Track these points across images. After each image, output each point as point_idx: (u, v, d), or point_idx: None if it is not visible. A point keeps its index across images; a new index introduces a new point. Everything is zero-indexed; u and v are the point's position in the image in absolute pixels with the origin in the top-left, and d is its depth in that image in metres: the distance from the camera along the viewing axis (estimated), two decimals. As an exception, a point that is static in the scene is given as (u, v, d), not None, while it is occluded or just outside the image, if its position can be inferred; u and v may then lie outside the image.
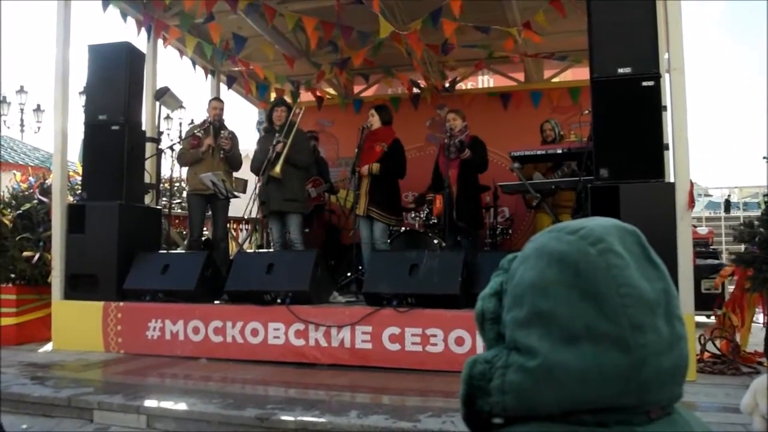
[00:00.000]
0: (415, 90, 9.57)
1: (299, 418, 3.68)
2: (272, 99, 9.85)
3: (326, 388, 4.54)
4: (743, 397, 3.07)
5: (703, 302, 6.90)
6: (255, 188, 8.01)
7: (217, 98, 7.58)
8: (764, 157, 5.25)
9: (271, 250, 7.28)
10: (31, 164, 14.75)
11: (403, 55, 7.73)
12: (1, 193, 7.01)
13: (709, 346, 5.27)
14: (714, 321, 6.01)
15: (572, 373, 0.74)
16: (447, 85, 9.45)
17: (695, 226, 8.93)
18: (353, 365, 5.21)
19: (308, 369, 5.21)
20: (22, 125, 20.90)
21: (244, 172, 7.87)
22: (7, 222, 6.61)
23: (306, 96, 9.82)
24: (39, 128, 21.57)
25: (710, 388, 4.46)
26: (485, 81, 11.90)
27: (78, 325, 6.06)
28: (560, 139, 7.39)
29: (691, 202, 4.87)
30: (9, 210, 6.73)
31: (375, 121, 6.89)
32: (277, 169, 6.51)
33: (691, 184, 4.92)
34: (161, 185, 7.74)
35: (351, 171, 6.90)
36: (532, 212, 7.65)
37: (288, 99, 9.53)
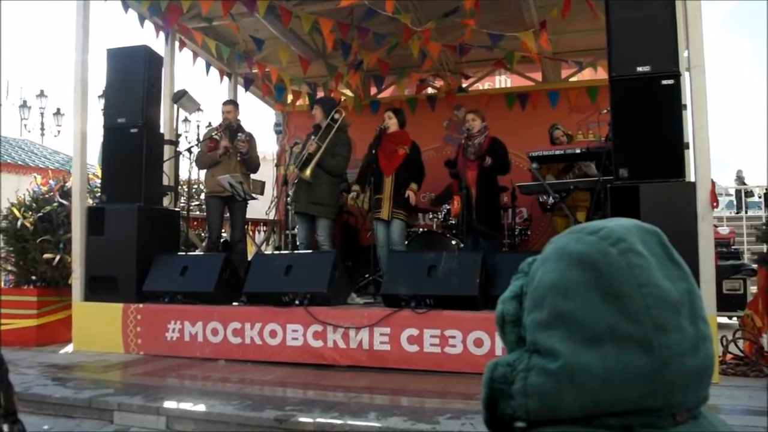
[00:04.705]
0: (430, 90, 9.55)
1: (318, 420, 3.68)
2: (289, 101, 9.90)
3: (345, 389, 4.54)
4: None
5: (725, 303, 6.83)
6: (273, 190, 8.04)
7: (228, 101, 7.58)
8: None
9: (289, 251, 7.28)
10: (52, 167, 14.87)
11: (417, 57, 7.72)
12: (21, 196, 7.08)
13: (732, 348, 5.20)
14: (737, 322, 5.94)
15: (595, 375, 0.73)
16: (464, 85, 9.42)
17: (716, 226, 8.83)
18: (372, 367, 5.20)
19: (327, 370, 5.21)
20: (42, 129, 21.16)
21: (262, 174, 7.89)
22: (27, 224, 6.68)
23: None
24: (59, 132, 21.86)
25: (733, 390, 4.40)
26: (502, 81, 11.88)
27: (98, 327, 6.11)
28: (570, 140, 7.34)
29: (715, 201, 4.80)
30: (30, 212, 6.80)
31: (393, 123, 6.88)
32: (307, 172, 6.48)
33: (713, 183, 4.86)
34: (179, 187, 7.77)
35: (367, 173, 6.87)
36: (549, 214, 7.60)
37: (304, 101, 9.59)
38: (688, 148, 5.01)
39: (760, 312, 5.32)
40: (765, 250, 5.85)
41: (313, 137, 6.72)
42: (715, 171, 4.90)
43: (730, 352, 5.18)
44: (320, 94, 9.73)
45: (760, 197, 16.06)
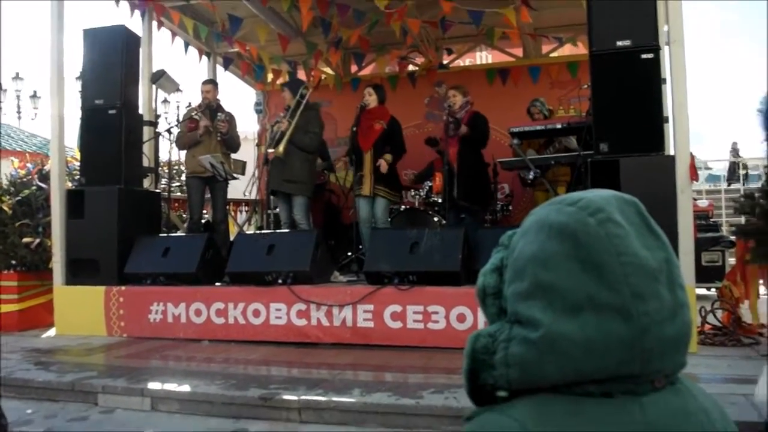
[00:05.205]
0: (411, 67, 9.50)
1: (302, 397, 3.70)
2: (269, 80, 9.81)
3: (329, 367, 4.57)
4: (758, 388, 3.10)
5: (704, 275, 6.92)
6: (254, 170, 8.01)
7: (207, 81, 7.52)
8: (758, 109, 5.11)
9: (271, 231, 7.27)
10: (29, 150, 14.70)
11: (399, 34, 7.66)
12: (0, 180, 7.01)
13: (710, 318, 5.28)
14: (715, 293, 6.02)
15: (575, 344, 0.74)
16: (445, 62, 9.39)
17: (695, 199, 8.92)
18: (355, 344, 5.23)
19: (310, 348, 5.23)
20: (18, 112, 20.85)
21: (243, 154, 7.84)
22: (6, 208, 6.60)
23: (301, 76, 9.75)
24: (36, 115, 21.56)
25: (712, 359, 4.48)
26: (483, 57, 11.85)
27: (80, 310, 6.08)
28: (550, 116, 7.35)
29: (694, 174, 4.85)
30: (8, 196, 6.73)
31: (372, 100, 6.85)
32: (280, 148, 6.47)
33: (692, 157, 4.90)
34: (160, 168, 7.72)
35: (350, 151, 6.87)
36: (530, 189, 7.63)
37: (284, 80, 9.49)
38: (667, 122, 5.04)
39: (738, 283, 5.41)
40: (743, 222, 5.91)
41: (283, 115, 6.73)
42: (693, 144, 4.93)
43: (708, 323, 5.26)
44: (300, 72, 9.65)
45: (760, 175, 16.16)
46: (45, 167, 7.04)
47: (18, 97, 20.91)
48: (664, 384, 0.79)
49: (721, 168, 18.58)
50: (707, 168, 18.13)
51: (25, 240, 6.53)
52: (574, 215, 0.78)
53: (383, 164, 6.64)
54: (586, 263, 0.75)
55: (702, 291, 7.13)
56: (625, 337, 0.73)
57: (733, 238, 7.09)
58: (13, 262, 6.71)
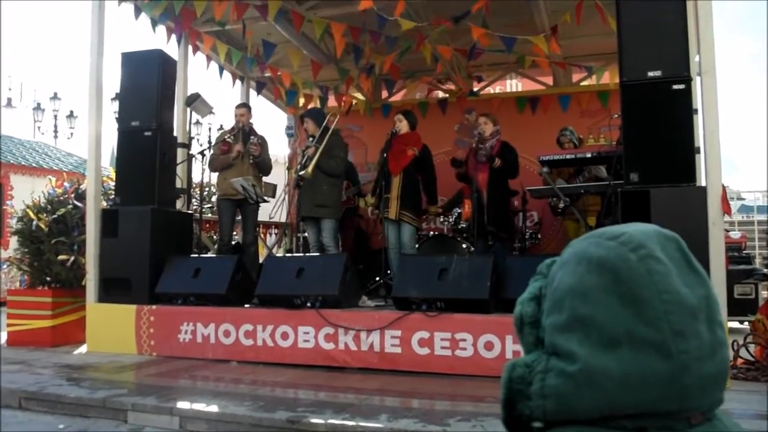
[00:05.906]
0: (441, 94, 9.57)
1: (329, 421, 3.71)
2: (301, 104, 9.94)
3: (356, 391, 4.57)
4: None
5: (737, 308, 6.82)
6: (283, 193, 8.09)
7: (241, 104, 7.65)
8: None
9: (301, 254, 7.32)
10: (65, 169, 14.95)
11: (430, 61, 7.74)
12: (36, 198, 7.15)
13: (743, 353, 5.19)
14: (748, 326, 5.93)
15: (612, 378, 0.75)
16: (475, 89, 9.44)
17: (727, 231, 8.81)
18: (383, 369, 5.22)
19: (338, 372, 5.24)
20: (55, 131, 21.29)
21: (274, 177, 7.93)
22: (42, 226, 6.74)
23: (332, 102, 9.87)
24: (72, 134, 21.99)
25: (744, 395, 4.40)
26: (513, 85, 11.88)
27: (112, 328, 6.16)
28: (579, 144, 7.34)
29: (727, 208, 4.80)
30: (45, 214, 6.87)
31: (403, 126, 6.91)
32: (309, 169, 6.57)
33: (724, 188, 4.85)
34: (192, 190, 7.83)
35: (379, 177, 6.92)
36: (560, 217, 7.60)
37: (316, 105, 9.62)
38: (699, 152, 5.01)
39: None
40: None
41: (311, 140, 6.86)
42: (725, 173, 4.89)
43: (741, 357, 5.18)
44: (331, 97, 9.77)
45: None
46: (81, 186, 7.19)
47: (55, 116, 21.38)
48: (700, 420, 0.79)
49: (753, 199, 18.32)
50: (740, 198, 17.87)
51: (61, 257, 6.66)
52: (615, 250, 0.79)
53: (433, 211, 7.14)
54: (626, 298, 0.76)
55: (734, 324, 7.02)
56: (663, 374, 0.74)
57: (766, 270, 6.99)
58: (48, 278, 6.84)
